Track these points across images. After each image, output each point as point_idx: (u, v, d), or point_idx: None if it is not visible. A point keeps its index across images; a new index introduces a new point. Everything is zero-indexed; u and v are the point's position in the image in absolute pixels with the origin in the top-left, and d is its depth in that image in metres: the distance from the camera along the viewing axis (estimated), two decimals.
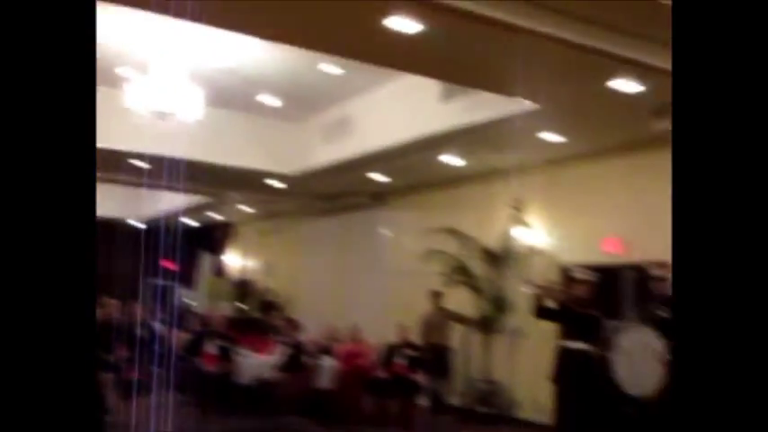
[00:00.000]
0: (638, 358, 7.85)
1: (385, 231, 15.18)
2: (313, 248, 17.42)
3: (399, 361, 10.99)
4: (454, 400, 12.47)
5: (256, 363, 10.35)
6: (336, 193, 15.50)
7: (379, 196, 15.30)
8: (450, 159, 11.98)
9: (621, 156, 10.63)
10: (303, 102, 12.86)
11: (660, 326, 8.13)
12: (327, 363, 10.84)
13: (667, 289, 8.53)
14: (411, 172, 13.10)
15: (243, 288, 19.46)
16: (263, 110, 13.03)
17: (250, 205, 17.62)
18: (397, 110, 11.48)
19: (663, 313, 8.32)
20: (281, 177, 14.35)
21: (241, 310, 17.78)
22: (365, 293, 15.34)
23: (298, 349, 10.41)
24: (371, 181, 14.03)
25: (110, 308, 10.14)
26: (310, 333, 12.12)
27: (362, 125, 12.31)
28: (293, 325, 11.04)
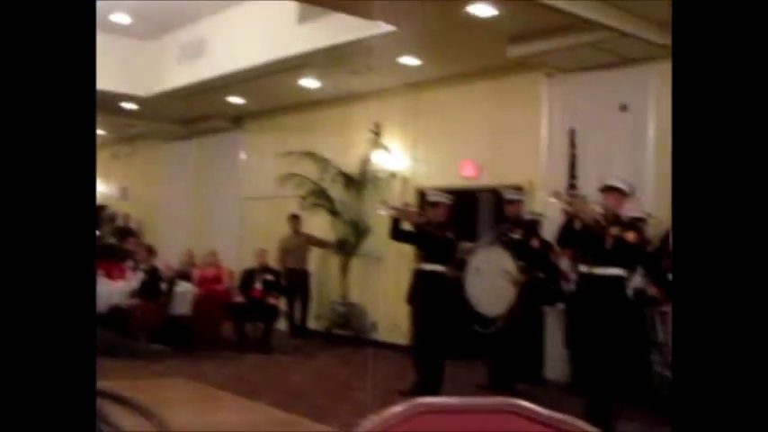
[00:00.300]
0: (491, 278, 8.09)
1: (243, 155, 14.97)
2: (170, 173, 17.02)
3: (257, 285, 10.95)
4: (313, 324, 12.59)
5: (111, 289, 10.10)
6: (193, 116, 15.12)
7: (237, 120, 15.04)
8: (309, 82, 11.85)
9: (479, 80, 10.77)
10: (156, 20, 12.40)
11: (512, 247, 8.39)
12: (184, 288, 10.69)
13: (520, 212, 8.79)
14: (269, 95, 12.90)
15: (96, 213, 18.92)
16: (114, 29, 12.49)
17: (104, 128, 17.00)
18: (253, 31, 11.22)
19: (515, 235, 8.59)
20: (135, 99, 13.87)
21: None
22: (223, 218, 15.17)
23: (154, 275, 10.20)
24: (229, 104, 13.74)
25: None
26: (167, 259, 11.91)
27: (217, 46, 11.98)
28: (149, 251, 10.79)
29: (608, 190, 6.67)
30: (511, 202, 8.75)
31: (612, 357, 6.47)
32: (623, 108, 8.67)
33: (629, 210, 7.21)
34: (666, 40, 8.38)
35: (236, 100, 13.43)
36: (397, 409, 1.46)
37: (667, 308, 6.97)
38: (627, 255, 6.63)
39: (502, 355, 8.50)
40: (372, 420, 1.43)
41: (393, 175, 11.83)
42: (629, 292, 7.07)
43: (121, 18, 12.14)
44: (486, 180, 10.66)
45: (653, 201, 8.69)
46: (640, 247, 6.79)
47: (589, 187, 8.19)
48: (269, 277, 11.12)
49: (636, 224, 7.03)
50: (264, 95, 12.92)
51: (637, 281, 7.41)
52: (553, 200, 6.85)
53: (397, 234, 8.10)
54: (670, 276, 7.21)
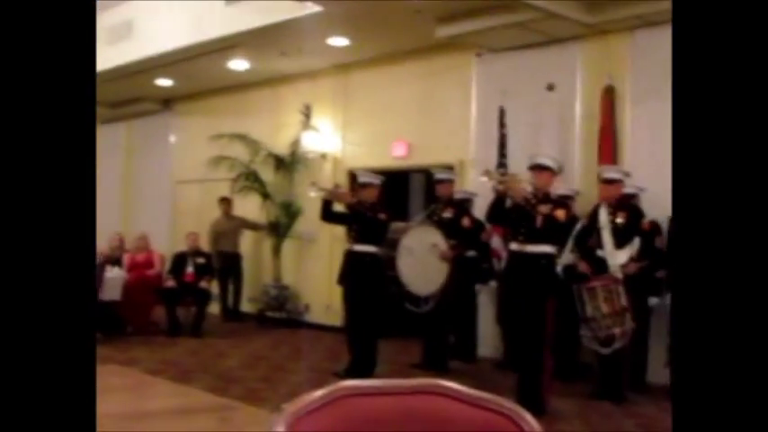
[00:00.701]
0: (422, 258, 8.12)
1: (173, 138, 14.75)
2: (99, 157, 16.67)
3: (189, 269, 10.84)
4: (246, 307, 12.52)
5: None
6: (122, 99, 14.83)
7: (167, 102, 14.81)
8: (238, 64, 11.71)
9: (408, 61, 10.77)
10: None
11: (443, 226, 8.44)
12: (115, 274, 10.52)
13: (451, 191, 8.84)
14: (198, 77, 12.71)
15: None
16: None
17: None
18: (181, 12, 11.04)
19: (446, 214, 8.64)
20: None
21: None
22: (154, 202, 14.95)
23: None
24: (158, 87, 13.51)
25: None
26: (97, 244, 11.69)
27: (145, 28, 11.76)
28: None
29: (537, 168, 6.74)
30: (442, 181, 8.79)
31: (542, 334, 6.56)
32: (550, 87, 8.76)
33: (557, 187, 7.31)
34: (592, 18, 8.50)
35: (164, 82, 13.22)
36: (319, 393, 1.46)
37: (595, 283, 7.08)
38: (556, 232, 6.73)
39: (435, 334, 8.57)
40: (295, 404, 1.42)
41: (324, 157, 11.79)
42: (559, 268, 7.18)
43: None
44: (417, 160, 10.70)
45: (580, 178, 8.83)
46: (569, 224, 6.89)
47: (518, 165, 8.28)
48: (201, 261, 11.01)
49: (565, 201, 7.13)
50: (193, 77, 12.74)
51: (567, 257, 7.52)
52: (484, 178, 6.89)
53: (328, 215, 8.08)
54: (598, 252, 7.33)
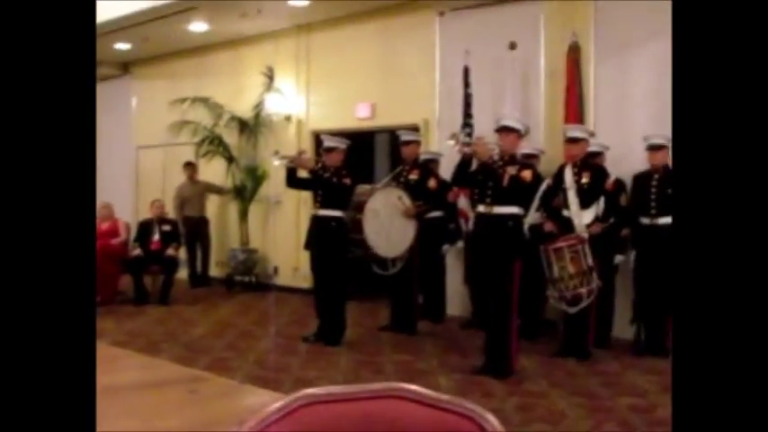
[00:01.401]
0: (389, 220, 8.13)
1: (134, 103, 14.55)
2: None
3: (155, 237, 10.74)
4: (214, 271, 12.48)
5: None
6: None
7: (126, 66, 14.57)
8: (198, 26, 11.53)
9: (371, 21, 10.66)
10: None
11: (409, 188, 8.43)
12: None
13: (416, 153, 8.81)
14: (157, 40, 12.50)
15: None
16: None
17: None
18: None
19: (412, 176, 8.62)
20: None
21: None
22: (116, 168, 14.75)
23: None
24: (116, 50, 13.27)
25: None
26: None
27: None
28: None
29: (503, 130, 6.72)
30: (407, 143, 8.75)
31: (510, 295, 6.59)
32: (512, 46, 8.71)
33: (522, 147, 7.30)
34: None
35: (123, 46, 13.00)
36: (278, 404, 1.43)
37: (561, 243, 7.11)
38: (523, 193, 6.73)
39: (403, 296, 8.60)
40: (256, 417, 1.39)
41: (288, 119, 11.69)
42: (525, 228, 7.20)
43: None
44: (382, 121, 10.64)
45: (544, 137, 8.83)
46: (535, 184, 6.89)
47: (483, 125, 8.26)
48: (167, 228, 10.92)
49: (531, 163, 7.13)
50: (153, 40, 12.52)
51: (533, 217, 7.54)
52: (451, 142, 6.85)
53: (293, 182, 8.04)
54: (564, 212, 7.36)
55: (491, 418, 1.47)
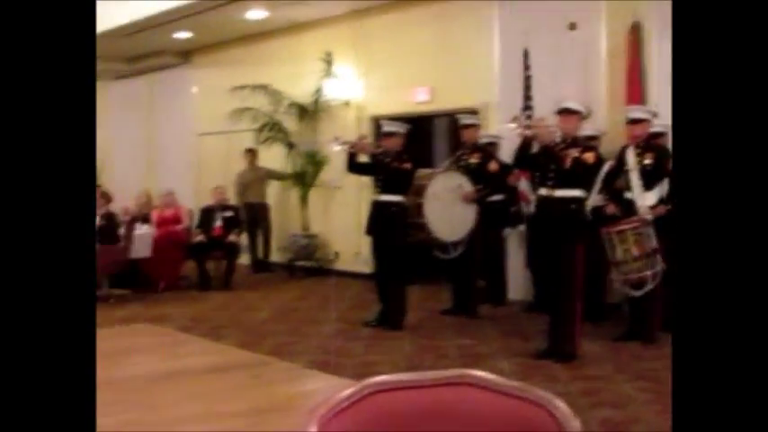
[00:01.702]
0: (450, 204, 8.11)
1: (194, 90, 14.70)
2: (120, 113, 16.66)
3: (217, 223, 10.87)
4: (275, 257, 12.58)
5: None
6: (140, 53, 14.76)
7: (186, 55, 14.72)
8: (256, 14, 11.60)
9: (428, 3, 10.61)
10: None
11: (470, 172, 8.39)
12: (143, 231, 10.58)
13: (476, 136, 8.76)
14: (216, 28, 12.60)
15: None
16: None
17: None
18: None
19: (472, 160, 8.58)
20: None
21: None
22: (178, 156, 14.96)
23: (109, 220, 10.05)
24: (176, 40, 13.42)
25: None
26: (124, 201, 11.75)
27: None
28: (103, 197, 10.61)
29: (565, 112, 6.64)
30: (467, 126, 8.71)
31: (573, 279, 6.53)
32: (572, 26, 8.59)
33: (583, 128, 7.21)
34: None
35: (182, 35, 13.13)
36: (348, 391, 1.43)
37: (624, 226, 7.02)
38: (585, 175, 6.66)
39: (463, 280, 8.57)
40: (325, 405, 1.40)
41: (347, 104, 11.71)
42: (587, 211, 7.11)
43: None
44: (441, 104, 10.59)
45: (606, 117, 8.70)
46: (597, 166, 6.81)
47: (543, 108, 8.17)
48: (228, 214, 11.04)
49: (593, 145, 7.04)
50: (212, 29, 12.63)
51: (594, 200, 7.45)
52: (512, 125, 6.80)
53: (354, 167, 8.07)
54: (626, 194, 7.26)
55: (561, 404, 1.45)
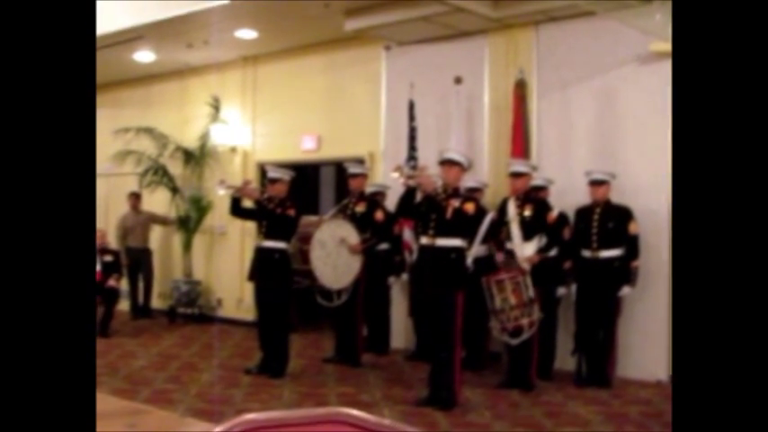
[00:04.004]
0: (335, 252, 8.12)
1: None
2: None
3: (97, 268, 10.58)
4: (156, 303, 12.32)
5: None
6: None
7: None
8: (143, 56, 11.47)
9: (317, 54, 10.72)
10: None
11: (356, 220, 8.45)
12: None
13: (363, 185, 8.85)
14: (103, 69, 12.29)
15: None
16: None
17: None
18: None
19: (359, 208, 8.65)
20: None
21: None
22: None
23: None
24: None
25: None
26: None
27: None
28: None
29: (447, 163, 6.78)
30: (354, 175, 8.79)
31: (453, 326, 6.62)
32: (458, 80, 8.82)
33: (465, 180, 7.39)
34: (497, 13, 8.58)
35: None
36: (218, 429, 1.43)
37: (503, 276, 7.19)
38: (466, 225, 6.79)
39: (347, 328, 8.58)
40: None
41: (233, 150, 11.65)
42: (469, 261, 7.25)
43: None
44: (327, 153, 10.67)
45: (488, 170, 8.94)
46: (478, 217, 6.96)
47: (428, 158, 8.32)
48: (108, 258, 10.76)
49: (473, 196, 7.20)
50: (98, 69, 12.33)
51: (478, 249, 7.59)
52: (395, 174, 6.90)
53: (237, 211, 8.01)
54: (507, 245, 7.45)
55: None
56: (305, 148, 10.82)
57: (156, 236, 12.53)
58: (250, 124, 11.58)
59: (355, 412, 1.55)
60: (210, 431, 1.41)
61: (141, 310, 12.11)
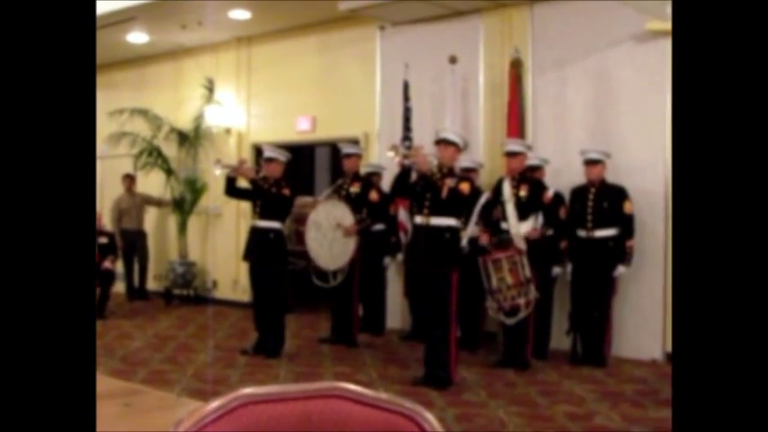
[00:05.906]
0: (330, 233, 8.11)
1: None
2: None
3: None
4: (152, 285, 12.31)
5: None
6: None
7: None
8: (137, 37, 11.41)
9: (311, 34, 10.68)
10: None
11: (351, 201, 8.44)
12: None
13: (358, 165, 8.84)
14: (96, 50, 12.33)
15: None
16: None
17: None
18: None
19: (354, 189, 8.64)
20: None
21: None
22: None
23: None
24: None
25: None
26: None
27: None
28: None
29: (442, 143, 6.77)
30: (348, 156, 8.77)
31: (448, 306, 6.63)
32: (453, 60, 8.79)
33: (460, 160, 7.38)
34: None
35: None
36: (216, 403, 1.42)
37: (500, 255, 7.19)
38: (461, 205, 6.78)
39: (343, 308, 8.59)
40: (192, 417, 1.38)
41: (228, 131, 11.62)
42: (464, 241, 7.26)
43: None
44: (322, 133, 10.65)
45: (483, 150, 8.92)
46: (473, 197, 6.96)
47: (423, 138, 8.31)
48: (103, 240, 10.74)
49: (468, 176, 7.19)
50: None
51: (472, 230, 7.60)
52: (391, 153, 6.89)
53: (232, 191, 8.00)
54: (503, 225, 7.45)
55: (430, 417, 1.48)
56: (299, 129, 10.80)
57: (150, 218, 12.52)
58: (244, 105, 11.54)
59: (353, 387, 1.55)
60: (208, 406, 1.41)
61: (137, 292, 12.11)
